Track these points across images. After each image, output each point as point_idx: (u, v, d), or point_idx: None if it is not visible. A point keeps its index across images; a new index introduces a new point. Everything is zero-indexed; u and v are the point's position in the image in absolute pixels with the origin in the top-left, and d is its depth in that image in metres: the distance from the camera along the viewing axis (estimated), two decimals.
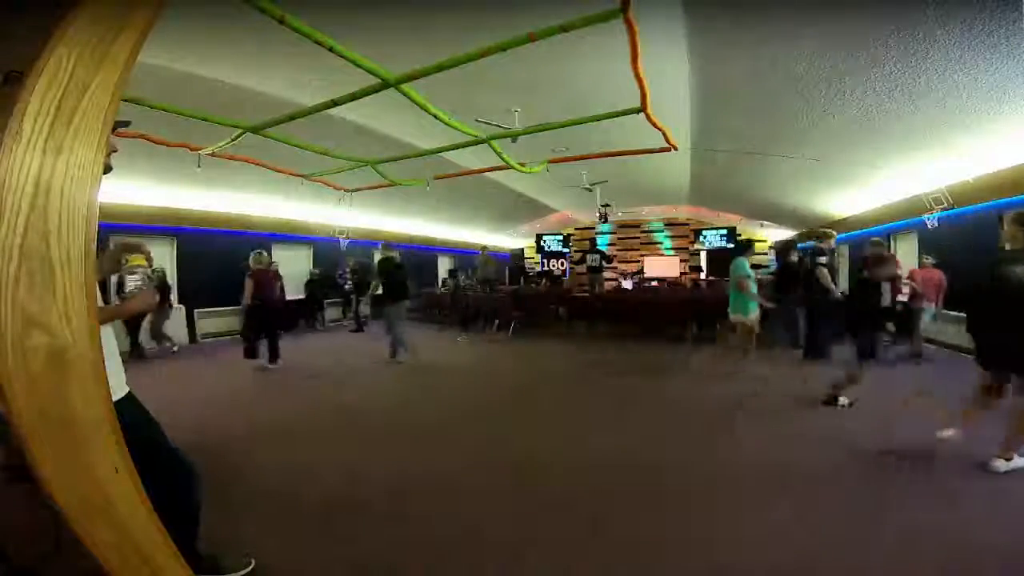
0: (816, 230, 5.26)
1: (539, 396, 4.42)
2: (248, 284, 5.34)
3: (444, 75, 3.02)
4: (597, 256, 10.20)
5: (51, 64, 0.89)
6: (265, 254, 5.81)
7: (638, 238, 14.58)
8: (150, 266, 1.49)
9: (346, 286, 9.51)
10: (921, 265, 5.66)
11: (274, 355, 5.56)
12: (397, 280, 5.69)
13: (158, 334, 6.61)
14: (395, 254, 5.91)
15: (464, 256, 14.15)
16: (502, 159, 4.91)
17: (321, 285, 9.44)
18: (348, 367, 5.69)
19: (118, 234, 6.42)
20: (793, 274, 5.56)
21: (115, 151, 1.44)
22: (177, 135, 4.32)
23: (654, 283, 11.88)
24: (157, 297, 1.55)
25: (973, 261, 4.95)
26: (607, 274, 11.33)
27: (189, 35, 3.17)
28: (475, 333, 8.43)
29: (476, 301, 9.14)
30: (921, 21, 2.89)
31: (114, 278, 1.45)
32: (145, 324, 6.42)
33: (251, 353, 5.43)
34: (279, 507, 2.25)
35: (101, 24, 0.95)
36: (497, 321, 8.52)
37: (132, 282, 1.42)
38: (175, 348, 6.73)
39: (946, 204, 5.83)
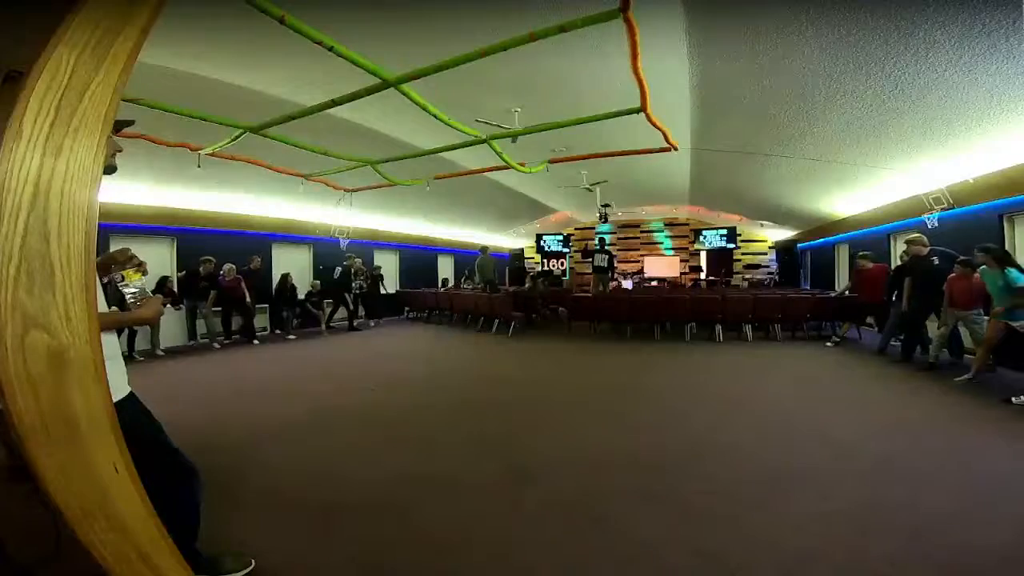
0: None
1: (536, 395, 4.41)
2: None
3: (444, 75, 3.02)
4: (605, 256, 9.87)
5: (51, 64, 0.89)
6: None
7: (638, 238, 14.58)
8: (144, 273, 1.50)
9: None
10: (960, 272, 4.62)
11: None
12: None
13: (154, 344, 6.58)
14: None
15: (464, 256, 14.14)
16: (502, 159, 4.92)
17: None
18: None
19: (118, 234, 6.42)
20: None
21: (119, 151, 1.44)
22: (177, 135, 4.33)
23: (654, 283, 11.88)
24: (162, 307, 1.56)
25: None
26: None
27: (189, 35, 3.17)
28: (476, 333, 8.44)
29: (475, 301, 9.14)
30: (921, 22, 2.89)
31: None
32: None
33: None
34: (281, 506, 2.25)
35: (101, 24, 0.95)
36: (497, 321, 8.53)
37: (130, 296, 1.44)
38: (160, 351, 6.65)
39: (946, 204, 5.82)
